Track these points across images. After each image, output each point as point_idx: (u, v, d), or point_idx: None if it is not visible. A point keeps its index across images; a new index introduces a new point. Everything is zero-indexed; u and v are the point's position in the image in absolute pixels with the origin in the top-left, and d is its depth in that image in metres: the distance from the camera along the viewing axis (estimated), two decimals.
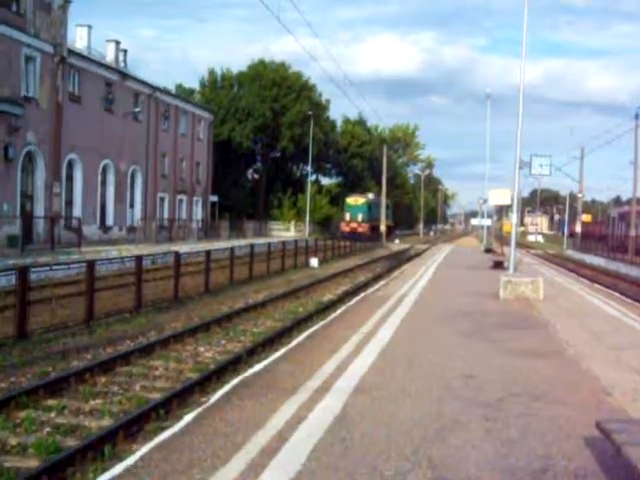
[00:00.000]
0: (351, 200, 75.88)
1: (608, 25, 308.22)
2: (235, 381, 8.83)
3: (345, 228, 72.99)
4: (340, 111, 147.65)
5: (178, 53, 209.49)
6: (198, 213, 64.22)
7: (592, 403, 8.10)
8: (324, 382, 8.58)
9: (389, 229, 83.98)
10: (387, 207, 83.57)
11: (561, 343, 12.16)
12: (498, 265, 30.55)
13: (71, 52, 41.70)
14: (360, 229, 72.47)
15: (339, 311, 16.34)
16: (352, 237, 62.96)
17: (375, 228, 76.62)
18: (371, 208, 76.15)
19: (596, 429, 5.95)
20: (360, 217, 73.59)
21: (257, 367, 9.71)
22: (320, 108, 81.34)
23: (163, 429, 7.51)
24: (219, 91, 76.96)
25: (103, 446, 7.22)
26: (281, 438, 6.39)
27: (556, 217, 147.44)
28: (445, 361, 10.25)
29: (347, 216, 74.78)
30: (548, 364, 10.29)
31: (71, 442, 7.61)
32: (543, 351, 11.31)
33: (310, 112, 73.28)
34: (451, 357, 10.59)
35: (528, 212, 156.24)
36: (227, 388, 8.47)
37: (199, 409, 7.60)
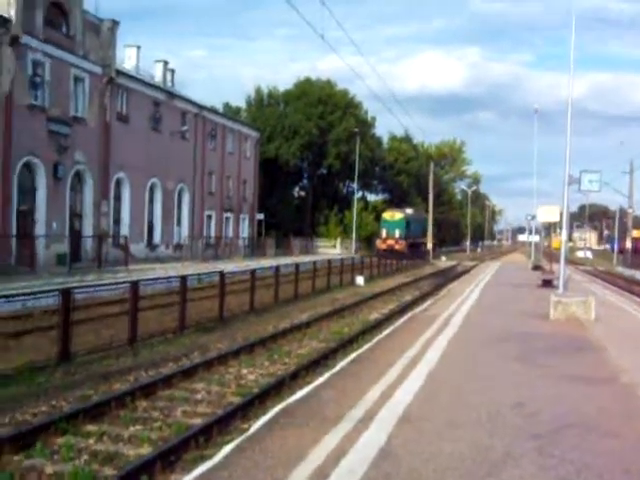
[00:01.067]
0: (387, 215, 70.20)
1: None
2: (277, 408, 8.59)
3: (381, 245, 66.66)
4: (386, 128, 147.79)
5: (226, 72, 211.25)
6: (244, 231, 64.40)
7: None
8: (368, 411, 8.29)
9: (433, 246, 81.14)
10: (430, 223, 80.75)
11: (615, 368, 11.70)
12: (547, 283, 29.91)
13: (119, 72, 42.28)
14: (397, 246, 65.84)
15: (386, 332, 16.02)
16: (388, 255, 56.79)
17: (414, 245, 70.71)
18: (410, 224, 69.92)
19: None
20: (397, 233, 67.44)
21: (300, 393, 9.47)
22: (366, 125, 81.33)
23: (203, 459, 7.31)
24: (265, 109, 77.44)
25: (139, 477, 7.01)
26: (322, 473, 6.12)
27: (605, 232, 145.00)
28: (494, 388, 9.90)
29: (383, 232, 68.57)
30: (602, 391, 9.89)
31: (108, 471, 7.43)
32: (596, 377, 10.88)
33: (356, 129, 73.04)
34: (500, 383, 10.24)
35: (576, 227, 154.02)
36: (269, 415, 8.23)
37: (240, 438, 7.39)
